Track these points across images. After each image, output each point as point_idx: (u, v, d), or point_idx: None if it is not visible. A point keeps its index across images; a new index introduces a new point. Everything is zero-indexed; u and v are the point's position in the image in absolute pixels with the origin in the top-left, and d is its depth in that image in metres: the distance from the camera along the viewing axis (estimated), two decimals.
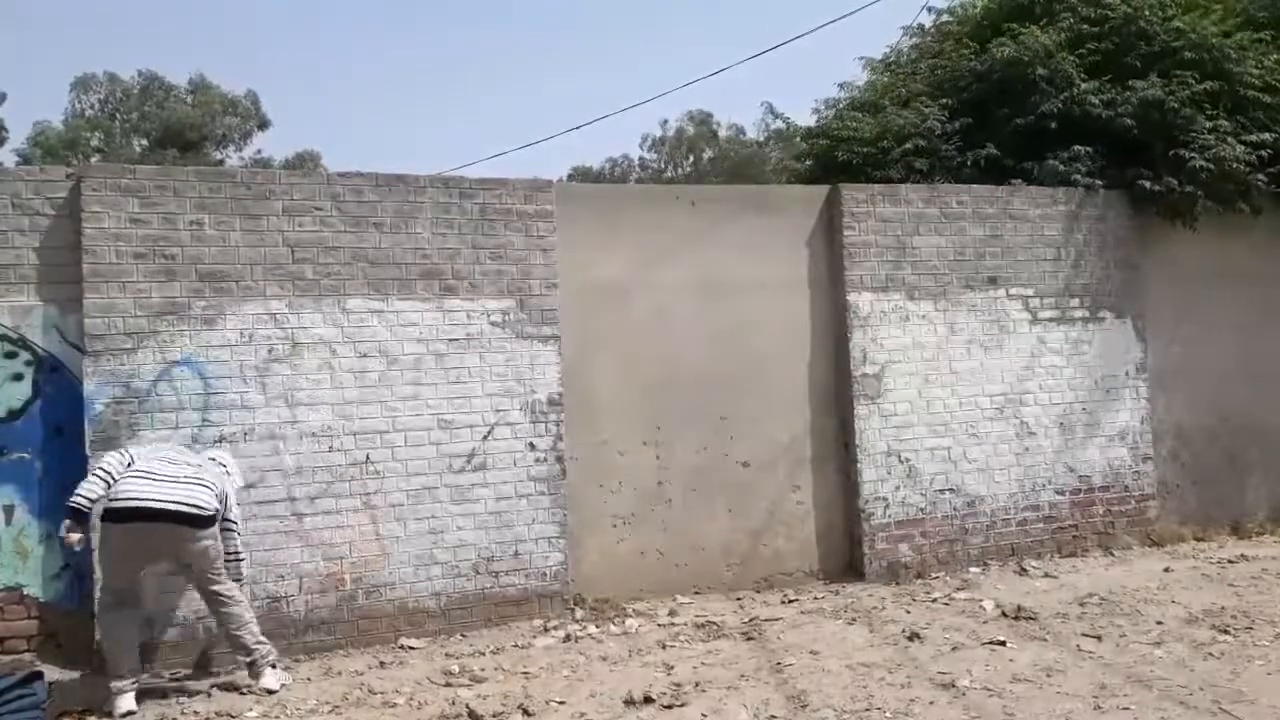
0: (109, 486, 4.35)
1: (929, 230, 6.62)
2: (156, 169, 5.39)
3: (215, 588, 4.55)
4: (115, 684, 4.39)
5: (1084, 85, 7.17)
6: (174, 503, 4.36)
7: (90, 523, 4.44)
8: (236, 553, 4.70)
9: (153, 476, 4.41)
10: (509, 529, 5.52)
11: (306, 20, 52.07)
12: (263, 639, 4.66)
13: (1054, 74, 7.25)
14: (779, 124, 10.18)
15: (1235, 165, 6.91)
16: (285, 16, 51.38)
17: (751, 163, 28.50)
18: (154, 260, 5.04)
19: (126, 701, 4.37)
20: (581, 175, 30.32)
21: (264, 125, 30.53)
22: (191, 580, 4.62)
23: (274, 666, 4.70)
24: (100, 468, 4.40)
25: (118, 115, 29.56)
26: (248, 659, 4.64)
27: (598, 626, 5.41)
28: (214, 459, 4.79)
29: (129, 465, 4.44)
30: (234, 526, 4.68)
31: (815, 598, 5.95)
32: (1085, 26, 7.58)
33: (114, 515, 4.34)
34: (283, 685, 4.64)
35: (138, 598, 4.58)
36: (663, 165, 34.67)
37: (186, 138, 27.76)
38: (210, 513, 4.47)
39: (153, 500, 4.33)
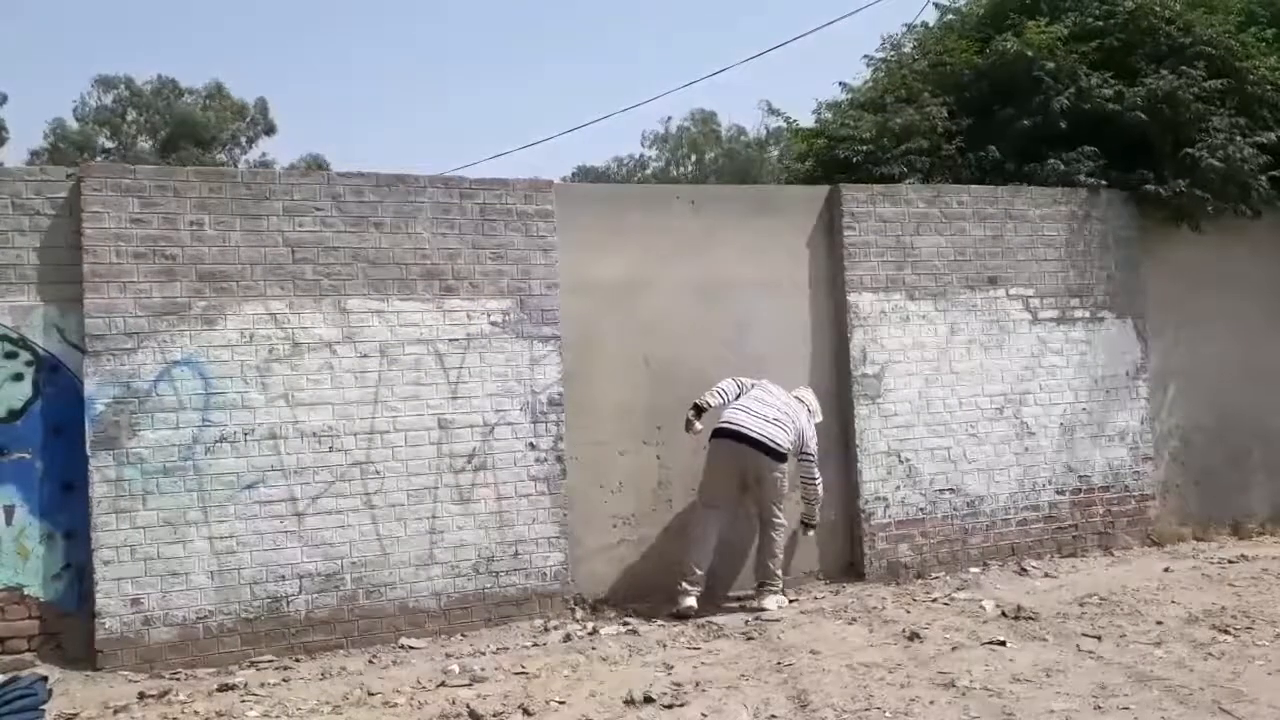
0: (722, 402, 5.63)
1: (930, 230, 6.61)
2: (157, 169, 5.40)
3: (772, 513, 5.67)
4: (682, 584, 5.53)
5: (1090, 80, 7.10)
6: (759, 434, 5.51)
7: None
8: (813, 477, 5.83)
9: (749, 410, 5.60)
10: (509, 529, 5.53)
11: (312, 22, 52.13)
12: (779, 572, 5.73)
13: (1058, 69, 7.20)
14: (779, 122, 10.14)
15: (1243, 165, 6.88)
16: (291, 18, 51.42)
17: (754, 164, 28.46)
18: (154, 260, 5.04)
19: (688, 600, 5.51)
20: (586, 174, 30.31)
21: (270, 130, 30.54)
22: (755, 501, 5.74)
23: (775, 593, 5.68)
24: (720, 388, 5.67)
25: (126, 115, 29.57)
26: (759, 580, 5.74)
27: (598, 626, 5.41)
28: (800, 399, 5.89)
29: (737, 396, 5.67)
30: (811, 458, 5.80)
31: (815, 597, 5.95)
32: (1091, 21, 7.50)
33: (716, 432, 5.61)
34: (779, 607, 5.60)
35: (720, 505, 5.69)
36: (665, 165, 34.67)
37: (194, 139, 27.76)
38: (784, 450, 5.58)
39: (744, 427, 5.52)
